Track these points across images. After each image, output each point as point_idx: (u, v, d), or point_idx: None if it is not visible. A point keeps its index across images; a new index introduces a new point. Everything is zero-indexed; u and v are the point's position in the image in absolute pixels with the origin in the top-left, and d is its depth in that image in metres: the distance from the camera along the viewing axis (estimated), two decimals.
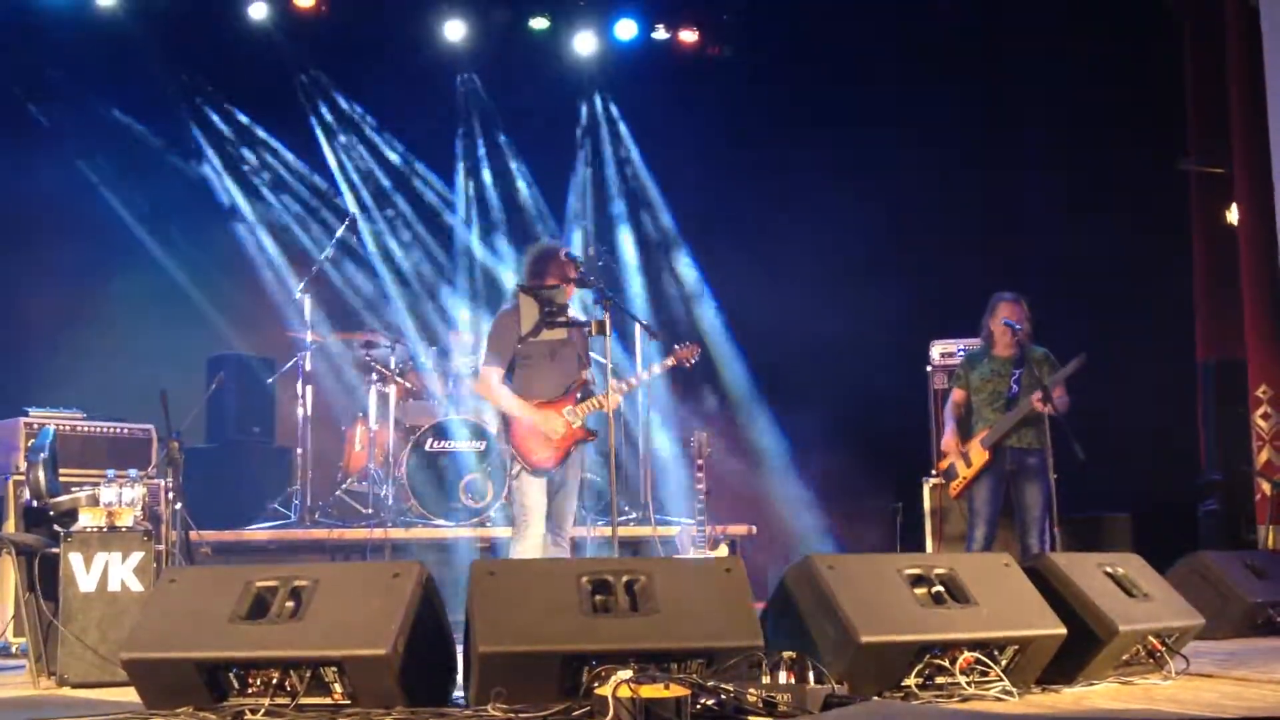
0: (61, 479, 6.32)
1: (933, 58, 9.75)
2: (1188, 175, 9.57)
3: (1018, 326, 7.45)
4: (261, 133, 10.35)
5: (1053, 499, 7.28)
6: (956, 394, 7.65)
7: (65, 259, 9.18)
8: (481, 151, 10.99)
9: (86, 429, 7.52)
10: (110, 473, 5.66)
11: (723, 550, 8.08)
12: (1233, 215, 9.18)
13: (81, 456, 7.31)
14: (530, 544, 6.06)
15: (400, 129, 10.73)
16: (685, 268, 10.94)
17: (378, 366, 8.87)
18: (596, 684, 3.92)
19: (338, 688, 4.18)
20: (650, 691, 3.74)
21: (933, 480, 8.07)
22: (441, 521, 8.48)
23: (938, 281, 9.45)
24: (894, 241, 9.79)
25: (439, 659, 4.61)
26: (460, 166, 10.96)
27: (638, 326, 6.28)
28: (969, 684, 4.46)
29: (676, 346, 6.56)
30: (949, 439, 7.53)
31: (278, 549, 8.20)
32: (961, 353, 8.20)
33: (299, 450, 8.67)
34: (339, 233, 9.22)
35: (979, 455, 7.36)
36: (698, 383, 10.12)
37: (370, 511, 8.60)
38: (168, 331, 9.57)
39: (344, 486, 8.93)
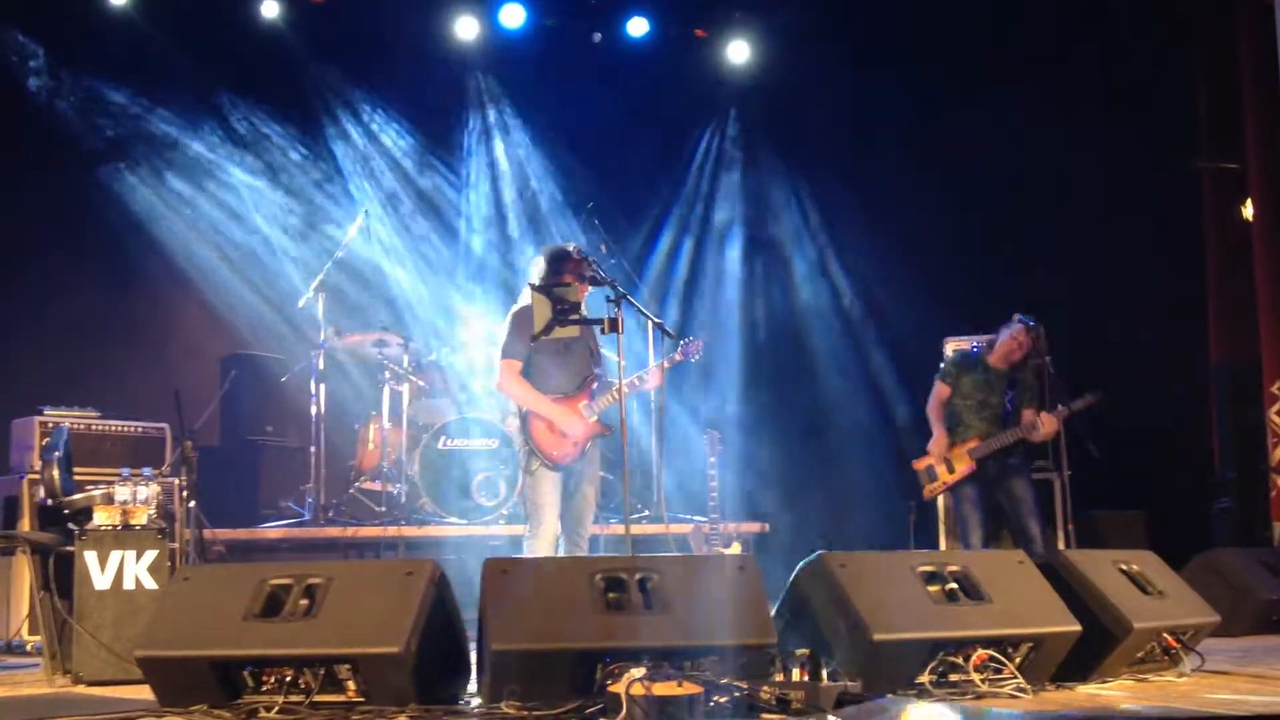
0: (76, 478, 6.34)
1: (939, 58, 9.72)
2: (1200, 173, 9.53)
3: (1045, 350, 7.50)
4: (273, 129, 10.35)
5: (1057, 489, 7.36)
6: (942, 389, 7.62)
7: (79, 260, 9.21)
8: (493, 145, 10.98)
9: (101, 428, 7.54)
10: (125, 471, 5.69)
11: (736, 548, 8.09)
12: (1248, 212, 9.15)
13: (96, 455, 7.34)
14: (544, 541, 6.08)
15: (412, 123, 10.72)
16: (700, 261, 10.93)
17: (390, 365, 8.88)
18: (610, 681, 3.92)
19: (351, 685, 4.19)
20: (664, 689, 3.74)
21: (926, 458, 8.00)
22: (454, 519, 8.48)
23: (950, 280, 9.43)
24: (906, 241, 9.77)
25: (452, 657, 4.62)
26: (471, 161, 10.96)
27: (650, 324, 6.27)
28: (983, 681, 4.46)
29: (682, 342, 6.59)
30: (938, 445, 7.51)
31: (291, 547, 8.22)
32: (975, 349, 8.17)
33: (312, 449, 8.68)
34: (351, 230, 9.22)
35: (963, 464, 7.38)
36: (712, 381, 10.11)
37: (383, 509, 8.60)
38: (181, 331, 9.59)
39: (357, 485, 8.93)
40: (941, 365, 7.79)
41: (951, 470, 7.41)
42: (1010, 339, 7.49)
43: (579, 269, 6.12)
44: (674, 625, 4.26)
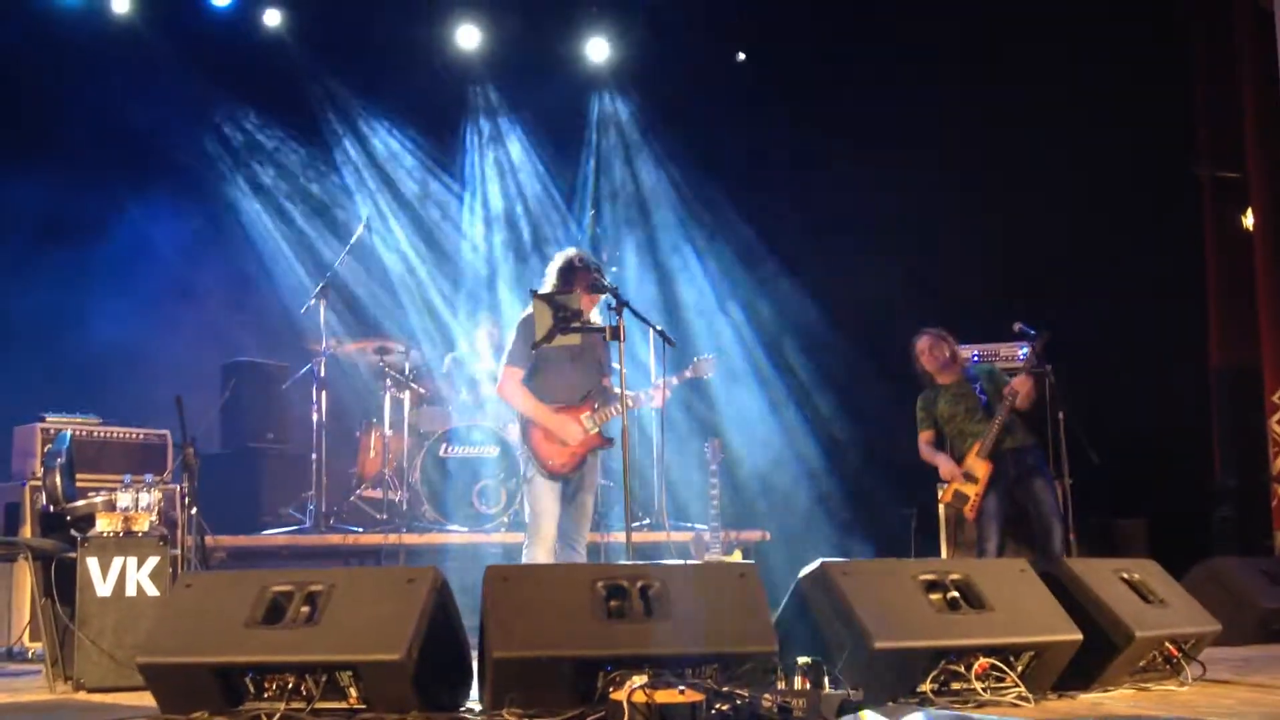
0: (78, 484, 6.35)
1: (937, 60, 9.73)
2: (1200, 180, 9.54)
3: (1032, 331, 7.45)
4: (274, 138, 10.37)
5: (1058, 491, 7.32)
6: (925, 435, 7.64)
7: (81, 265, 9.22)
8: (494, 154, 11.00)
9: (103, 434, 7.55)
10: (126, 478, 5.68)
11: (737, 555, 8.08)
12: (1248, 219, 9.16)
13: (98, 462, 7.35)
14: (542, 548, 6.07)
15: (415, 131, 10.74)
16: (696, 272, 10.94)
17: (392, 372, 8.89)
18: (611, 689, 3.92)
19: (353, 692, 4.19)
20: (665, 696, 3.74)
21: (949, 487, 8.00)
22: (456, 527, 8.48)
23: (949, 288, 9.43)
24: (905, 248, 9.78)
25: (453, 664, 4.62)
26: (474, 169, 10.97)
27: (652, 333, 6.26)
28: (985, 690, 4.46)
29: (696, 359, 6.59)
30: (948, 467, 7.48)
31: (292, 554, 8.22)
32: (975, 358, 8.18)
33: (313, 456, 8.69)
34: (353, 238, 9.24)
35: (982, 468, 7.31)
36: (713, 389, 10.12)
37: (384, 517, 8.60)
38: (183, 338, 9.59)
39: (358, 492, 8.94)
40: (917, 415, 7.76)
41: (975, 480, 7.35)
42: (924, 355, 7.60)
43: (585, 277, 6.12)
44: (675, 633, 4.26)
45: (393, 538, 8.27)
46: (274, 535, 8.41)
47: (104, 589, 5.35)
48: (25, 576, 6.47)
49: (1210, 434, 9.37)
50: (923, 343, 7.64)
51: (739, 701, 3.90)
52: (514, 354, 6.24)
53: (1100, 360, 8.60)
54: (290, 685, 4.19)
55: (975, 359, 8.19)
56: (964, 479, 7.38)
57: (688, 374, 6.55)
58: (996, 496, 7.31)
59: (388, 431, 8.87)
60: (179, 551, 6.12)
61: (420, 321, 10.38)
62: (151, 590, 5.39)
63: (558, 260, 6.27)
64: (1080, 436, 7.38)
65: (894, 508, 9.09)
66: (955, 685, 4.49)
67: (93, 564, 5.36)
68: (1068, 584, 4.94)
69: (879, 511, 9.48)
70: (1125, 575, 5.15)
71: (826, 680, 4.15)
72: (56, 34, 9.33)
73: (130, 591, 5.37)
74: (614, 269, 9.75)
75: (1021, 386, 7.26)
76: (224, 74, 9.90)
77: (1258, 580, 6.91)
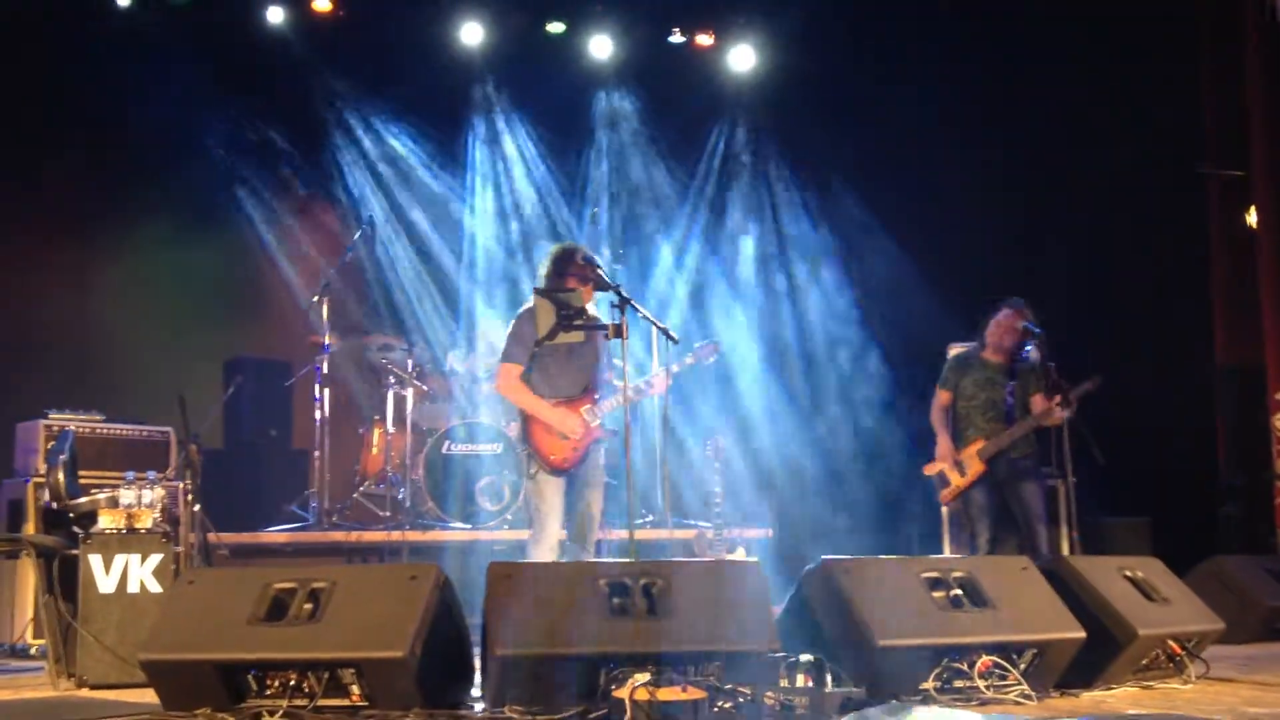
0: (81, 481, 6.35)
1: (943, 63, 9.72)
2: (1206, 179, 9.53)
3: (1037, 330, 7.37)
4: (277, 134, 10.35)
5: (1058, 493, 7.28)
6: (943, 396, 7.46)
7: (83, 263, 9.22)
8: (497, 152, 11.00)
9: (106, 431, 7.55)
10: (129, 475, 5.69)
11: (740, 553, 8.08)
12: (1252, 218, 9.15)
13: (101, 459, 7.34)
14: (546, 546, 6.04)
15: (417, 128, 10.73)
16: (698, 268, 10.94)
17: (395, 369, 8.89)
18: (614, 687, 3.93)
19: (355, 689, 4.19)
20: (667, 694, 3.75)
21: (936, 464, 7.91)
22: (458, 524, 8.48)
23: (955, 287, 9.42)
24: (913, 248, 9.77)
25: (456, 661, 4.62)
26: (477, 166, 10.97)
27: (654, 330, 6.23)
28: (987, 688, 4.45)
29: (696, 345, 6.53)
30: (944, 449, 7.37)
31: (295, 551, 8.22)
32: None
33: (316, 453, 8.69)
34: (357, 234, 9.25)
35: (974, 466, 7.23)
36: (716, 386, 10.12)
37: (387, 514, 8.61)
38: (185, 335, 9.59)
39: (361, 489, 8.94)
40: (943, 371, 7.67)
41: (964, 473, 7.26)
42: (996, 325, 7.37)
43: (583, 272, 6.09)
44: (678, 630, 4.25)
45: (395, 535, 8.27)
46: (276, 532, 8.41)
47: (107, 586, 5.35)
48: (28, 573, 6.47)
49: (1214, 432, 9.37)
50: (1005, 316, 7.35)
51: (741, 699, 3.90)
52: (511, 350, 6.17)
53: (1106, 358, 8.59)
54: (293, 682, 4.19)
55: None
56: (954, 465, 7.32)
57: (689, 360, 6.44)
58: (986, 491, 7.25)
59: (390, 429, 8.87)
60: (182, 548, 6.13)
61: (423, 318, 10.37)
62: (154, 587, 5.39)
63: (553, 252, 6.23)
64: (1084, 435, 7.36)
65: (898, 505, 9.08)
66: (958, 683, 4.49)
67: (95, 561, 5.36)
68: (1071, 582, 4.94)
69: (882, 508, 9.48)
70: (1129, 573, 5.14)
71: (829, 678, 4.15)
72: (57, 27, 9.32)
73: (133, 588, 5.38)
74: (618, 266, 9.74)
75: (1057, 411, 7.01)
76: (227, 70, 9.87)
77: (1262, 578, 6.90)
